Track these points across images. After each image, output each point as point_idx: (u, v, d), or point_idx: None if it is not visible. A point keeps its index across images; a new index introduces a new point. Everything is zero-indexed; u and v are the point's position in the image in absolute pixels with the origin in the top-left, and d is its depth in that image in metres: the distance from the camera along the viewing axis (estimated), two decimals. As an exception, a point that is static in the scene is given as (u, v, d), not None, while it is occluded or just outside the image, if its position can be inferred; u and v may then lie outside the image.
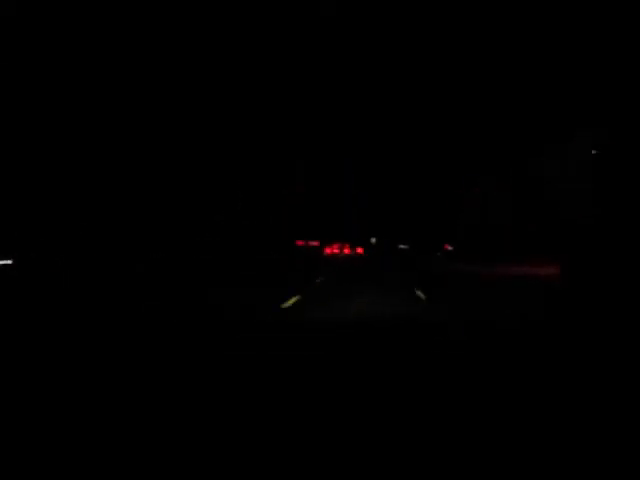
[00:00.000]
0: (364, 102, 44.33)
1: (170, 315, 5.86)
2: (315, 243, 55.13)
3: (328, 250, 55.58)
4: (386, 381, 1.95)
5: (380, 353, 2.80)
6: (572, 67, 20.94)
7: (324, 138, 49.90)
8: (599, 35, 19.11)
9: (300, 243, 52.04)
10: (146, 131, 20.73)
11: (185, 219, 23.97)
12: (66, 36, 16.64)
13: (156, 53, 21.13)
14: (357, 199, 74.43)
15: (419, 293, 8.28)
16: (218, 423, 1.04)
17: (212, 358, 1.34)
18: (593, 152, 20.79)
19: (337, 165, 65.15)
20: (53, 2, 16.41)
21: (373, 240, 73.62)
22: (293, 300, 6.95)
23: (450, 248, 44.62)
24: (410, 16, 29.70)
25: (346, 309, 6.18)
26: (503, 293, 8.71)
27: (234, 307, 6.12)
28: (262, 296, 7.79)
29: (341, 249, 57.82)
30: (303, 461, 0.87)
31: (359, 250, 60.41)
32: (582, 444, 1.04)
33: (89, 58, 17.65)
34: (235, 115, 28.72)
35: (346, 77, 40.15)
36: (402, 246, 63.03)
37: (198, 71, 24.38)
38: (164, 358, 1.41)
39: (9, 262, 12.64)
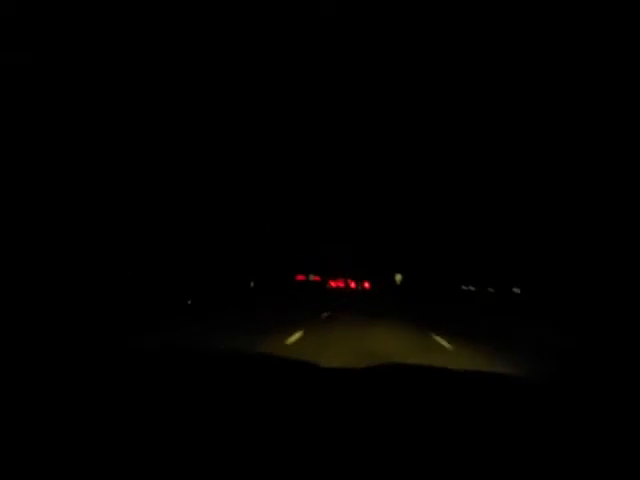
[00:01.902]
0: (364, 102, 44.16)
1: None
2: (317, 278, 48.86)
3: (333, 284, 49.48)
4: None
5: None
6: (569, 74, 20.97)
7: (324, 144, 46.68)
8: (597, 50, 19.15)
9: (301, 278, 46.92)
10: (141, 144, 20.69)
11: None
12: (66, 36, 16.62)
13: (155, 53, 21.11)
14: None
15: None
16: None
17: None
18: None
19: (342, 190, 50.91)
20: (53, 2, 16.39)
21: (398, 277, 51.17)
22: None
23: None
24: (411, 16, 29.67)
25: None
26: None
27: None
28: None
29: (346, 284, 50.63)
30: None
31: (366, 285, 50.74)
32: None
33: (89, 58, 17.63)
34: (234, 118, 28.69)
35: (346, 77, 40.11)
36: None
37: (196, 72, 24.36)
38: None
39: None
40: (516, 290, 28.59)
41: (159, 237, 21.75)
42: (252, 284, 31.92)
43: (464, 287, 37.67)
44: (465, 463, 0.85)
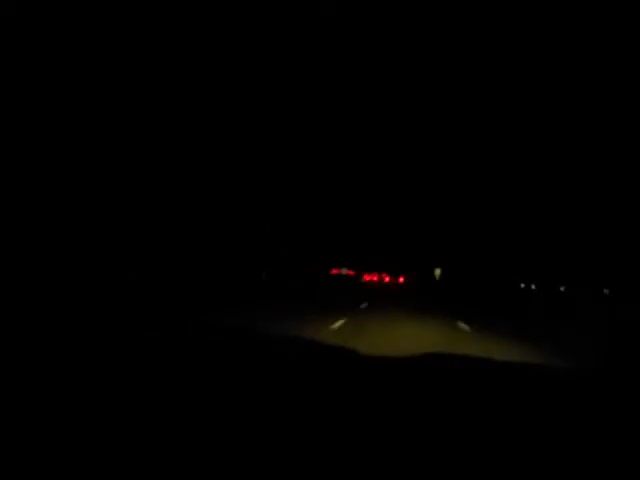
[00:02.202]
0: (365, 102, 44.03)
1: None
2: (351, 272, 47.92)
3: (367, 277, 48.44)
4: None
5: None
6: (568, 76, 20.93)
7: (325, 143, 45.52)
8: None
9: (335, 272, 46.06)
10: (143, 142, 20.67)
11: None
12: (66, 36, 16.61)
13: (155, 53, 21.11)
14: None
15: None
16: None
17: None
18: None
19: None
20: (53, 2, 16.39)
21: (438, 272, 46.45)
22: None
23: None
24: (411, 16, 29.68)
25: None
26: None
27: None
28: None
29: (380, 278, 50.03)
30: None
31: (400, 280, 49.36)
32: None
33: (89, 58, 17.62)
34: (234, 118, 28.68)
35: (346, 77, 40.05)
36: None
37: (196, 72, 24.35)
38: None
39: None
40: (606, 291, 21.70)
41: (159, 237, 21.74)
42: (264, 275, 29.82)
43: (523, 285, 30.28)
44: (509, 452, 0.85)
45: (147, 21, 20.23)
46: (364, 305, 14.74)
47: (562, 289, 27.43)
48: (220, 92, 27.16)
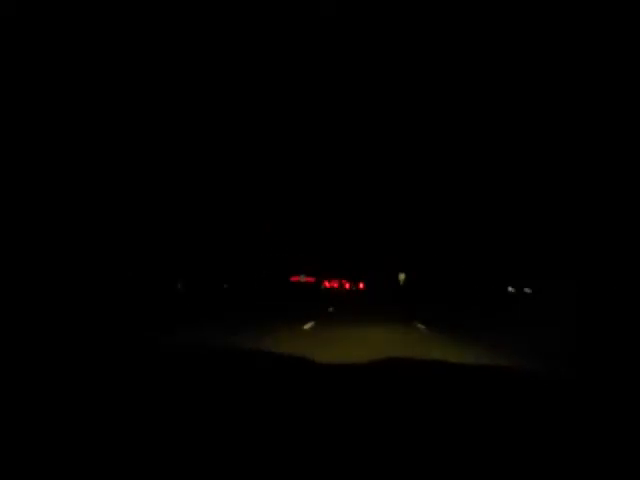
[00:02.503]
0: (364, 103, 43.89)
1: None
2: (310, 279, 48.16)
3: (327, 284, 48.91)
4: None
5: None
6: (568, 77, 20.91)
7: (325, 143, 44.55)
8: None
9: (295, 279, 46.69)
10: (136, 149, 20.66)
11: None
12: (66, 36, 16.62)
13: (155, 53, 21.11)
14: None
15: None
16: None
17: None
18: None
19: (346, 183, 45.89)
20: (53, 2, 16.39)
21: (402, 277, 46.91)
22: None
23: None
24: (411, 16, 29.68)
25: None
26: None
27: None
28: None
29: (340, 284, 50.67)
30: None
31: (361, 286, 50.36)
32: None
33: (89, 58, 17.62)
34: (234, 119, 28.68)
35: (346, 77, 40.02)
36: None
37: (196, 72, 24.36)
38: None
39: None
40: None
41: (160, 238, 21.73)
42: (264, 274, 29.96)
43: (512, 288, 27.01)
44: (471, 460, 0.83)
45: (147, 21, 20.24)
46: (317, 319, 12.77)
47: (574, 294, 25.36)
48: (220, 92, 27.18)
